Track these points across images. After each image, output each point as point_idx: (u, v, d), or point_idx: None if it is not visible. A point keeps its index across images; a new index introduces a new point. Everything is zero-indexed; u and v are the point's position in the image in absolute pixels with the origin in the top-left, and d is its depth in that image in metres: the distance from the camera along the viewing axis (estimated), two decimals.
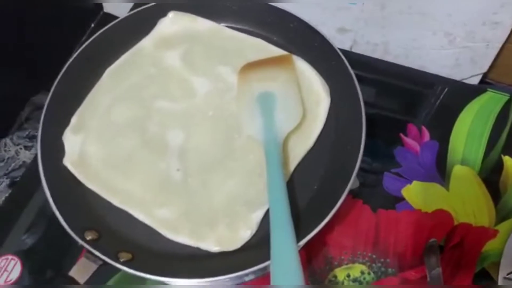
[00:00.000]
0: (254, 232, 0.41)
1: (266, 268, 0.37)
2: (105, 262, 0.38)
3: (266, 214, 0.41)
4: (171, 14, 0.51)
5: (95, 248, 0.38)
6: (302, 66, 0.48)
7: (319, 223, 0.38)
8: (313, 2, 0.59)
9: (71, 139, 0.45)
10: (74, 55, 0.49)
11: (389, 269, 0.45)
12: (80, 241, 0.38)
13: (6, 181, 0.58)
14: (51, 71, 0.77)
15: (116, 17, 0.80)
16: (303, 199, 0.42)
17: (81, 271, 0.37)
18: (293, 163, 0.44)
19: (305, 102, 0.46)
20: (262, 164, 0.42)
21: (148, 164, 0.44)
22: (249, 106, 0.46)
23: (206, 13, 0.51)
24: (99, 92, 0.48)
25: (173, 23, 0.51)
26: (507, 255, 0.44)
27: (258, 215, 0.41)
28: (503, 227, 0.47)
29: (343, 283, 0.45)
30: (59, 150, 0.45)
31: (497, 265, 0.44)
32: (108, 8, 0.80)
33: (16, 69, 0.68)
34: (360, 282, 0.45)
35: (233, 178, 0.43)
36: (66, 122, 0.46)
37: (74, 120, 0.46)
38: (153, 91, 0.48)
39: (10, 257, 0.48)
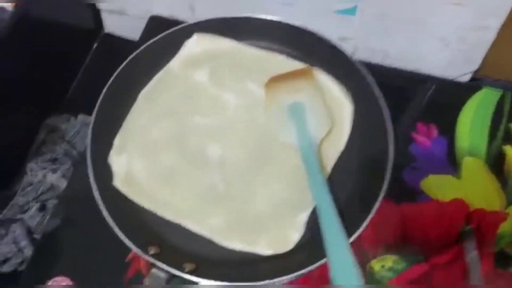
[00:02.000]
0: (302, 233, 0.45)
1: None
2: (172, 274, 0.41)
3: (310, 216, 0.45)
4: (195, 36, 0.54)
5: (160, 260, 0.41)
6: (323, 77, 0.52)
7: (362, 220, 0.43)
8: (314, 12, 0.63)
9: (116, 161, 0.48)
10: (109, 83, 0.50)
11: (419, 257, 0.50)
12: (145, 256, 0.41)
13: (36, 205, 0.59)
14: (60, 93, 0.79)
15: (117, 37, 0.83)
16: (341, 199, 0.46)
17: (153, 282, 0.40)
18: (328, 166, 0.48)
19: (330, 108, 0.50)
20: (299, 168, 0.46)
21: (192, 178, 0.47)
22: (279, 116, 0.50)
23: (228, 33, 0.55)
24: (136, 114, 0.50)
25: (198, 44, 0.54)
26: None
27: (304, 217, 0.45)
28: None
29: (379, 273, 0.49)
30: (107, 173, 0.47)
31: None
32: (109, 28, 0.81)
33: (26, 95, 0.70)
34: (395, 271, 0.50)
35: (273, 184, 0.47)
36: (109, 145, 0.48)
37: (116, 142, 0.49)
38: (186, 108, 0.51)
39: (60, 278, 0.50)
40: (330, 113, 0.49)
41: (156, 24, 0.68)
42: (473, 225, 0.51)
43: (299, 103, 0.50)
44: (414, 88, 0.62)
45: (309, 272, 0.47)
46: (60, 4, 0.73)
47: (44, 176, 0.61)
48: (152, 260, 0.41)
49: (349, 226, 0.43)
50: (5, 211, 0.60)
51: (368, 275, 0.49)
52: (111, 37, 0.81)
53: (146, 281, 0.40)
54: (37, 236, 0.58)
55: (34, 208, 0.59)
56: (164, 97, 0.51)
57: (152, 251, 0.42)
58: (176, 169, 0.48)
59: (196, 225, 0.45)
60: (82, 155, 0.68)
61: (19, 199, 0.60)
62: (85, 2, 0.77)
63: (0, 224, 0.59)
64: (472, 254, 0.42)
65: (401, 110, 0.60)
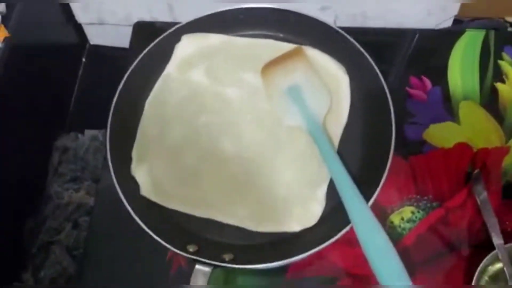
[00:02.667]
0: (324, 205, 0.48)
1: None
2: (215, 265, 0.44)
3: (329, 188, 0.48)
4: (184, 38, 0.56)
5: (201, 256, 0.44)
6: (314, 54, 0.55)
7: (376, 185, 0.46)
8: None
9: (139, 172, 0.50)
10: (115, 99, 0.52)
11: (434, 203, 0.54)
12: (187, 255, 0.44)
13: (69, 225, 0.63)
14: (62, 113, 0.81)
15: (103, 47, 0.84)
16: (354, 167, 0.49)
17: (199, 277, 0.43)
18: (336, 140, 0.51)
19: (327, 84, 0.53)
20: (309, 146, 0.49)
21: (213, 174, 0.50)
22: (281, 101, 0.52)
23: (215, 29, 0.56)
24: (147, 124, 0.53)
25: (188, 45, 0.56)
26: None
27: (323, 190, 0.48)
28: None
29: (399, 225, 0.53)
30: (133, 184, 0.50)
31: None
32: (94, 40, 0.83)
33: (32, 122, 0.72)
34: (413, 221, 0.53)
35: (289, 165, 0.50)
36: (128, 158, 0.51)
37: (134, 154, 0.51)
38: (192, 110, 0.53)
39: None
40: (328, 88, 0.52)
41: (142, 29, 0.69)
42: (479, 165, 0.55)
43: (295, 85, 0.52)
44: (401, 44, 0.64)
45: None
46: (43, 28, 0.75)
47: (70, 197, 0.64)
48: (194, 257, 0.44)
49: (367, 190, 0.46)
50: (41, 235, 0.63)
51: (389, 229, 0.53)
52: (97, 48, 0.83)
53: (193, 278, 0.43)
54: (76, 253, 0.61)
55: (68, 228, 0.62)
56: (169, 103, 0.54)
57: (191, 249, 0.45)
58: (196, 169, 0.50)
59: (227, 217, 0.48)
60: (98, 168, 0.71)
61: (52, 223, 0.63)
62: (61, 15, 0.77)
63: (39, 248, 0.62)
64: (482, 195, 0.46)
65: (393, 69, 0.63)
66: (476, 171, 0.49)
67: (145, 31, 0.68)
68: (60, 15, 0.78)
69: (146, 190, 0.49)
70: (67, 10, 0.76)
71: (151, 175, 0.50)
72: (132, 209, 0.47)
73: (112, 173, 0.49)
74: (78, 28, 0.81)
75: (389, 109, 0.49)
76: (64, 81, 0.82)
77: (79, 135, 0.76)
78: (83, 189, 0.66)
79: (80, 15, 0.77)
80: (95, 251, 0.57)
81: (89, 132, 0.76)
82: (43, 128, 0.75)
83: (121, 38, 0.74)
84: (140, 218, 0.46)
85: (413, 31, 0.65)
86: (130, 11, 0.73)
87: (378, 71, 0.51)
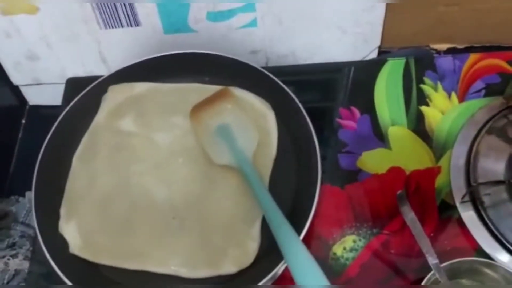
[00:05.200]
0: (258, 244, 0.47)
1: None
2: None
3: (262, 225, 0.48)
4: (110, 89, 0.56)
5: None
6: (240, 93, 0.55)
7: (307, 216, 0.46)
8: (218, 34, 0.66)
9: (67, 229, 0.49)
10: (40, 155, 0.51)
11: (374, 230, 0.54)
12: None
13: None
14: (2, 176, 0.78)
15: (43, 106, 0.83)
16: (285, 201, 0.49)
17: None
18: (266, 174, 0.51)
19: (254, 121, 0.53)
20: (241, 183, 0.49)
21: (144, 223, 0.49)
22: (211, 141, 0.52)
23: (141, 77, 0.57)
24: (75, 179, 0.52)
25: (115, 96, 0.56)
26: (454, 183, 0.54)
27: (257, 227, 0.48)
28: (443, 162, 0.57)
29: (342, 256, 0.53)
30: (61, 242, 0.48)
31: (451, 193, 0.54)
32: (32, 101, 0.82)
33: None
34: (356, 250, 0.53)
35: (222, 206, 0.49)
36: (57, 215, 0.49)
37: (62, 211, 0.50)
38: (122, 159, 0.53)
39: None
40: (255, 125, 0.52)
41: (74, 85, 0.69)
42: (412, 186, 0.55)
43: (223, 124, 0.52)
44: (329, 78, 0.66)
45: (281, 275, 0.49)
46: None
47: (6, 264, 0.61)
48: None
49: (299, 222, 0.45)
50: None
51: (333, 261, 0.52)
52: (37, 108, 0.82)
53: None
54: None
55: None
56: (98, 155, 0.53)
57: None
58: (127, 219, 0.49)
59: (159, 267, 0.46)
60: None
61: None
62: None
63: None
64: (410, 215, 0.46)
65: (323, 101, 0.64)
66: (399, 192, 0.49)
67: (77, 87, 0.67)
68: None
69: (75, 247, 0.48)
70: (1, 73, 0.76)
71: (80, 231, 0.48)
72: (60, 268, 0.45)
73: (38, 233, 0.47)
74: (15, 90, 0.80)
75: (313, 141, 0.49)
76: (3, 144, 0.80)
77: (20, 198, 0.73)
78: (21, 254, 0.62)
79: (15, 76, 0.77)
80: None
81: (30, 194, 0.74)
82: None
83: (60, 97, 0.74)
84: (68, 277, 0.44)
85: (339, 65, 0.67)
86: (64, 67, 0.73)
87: (299, 104, 0.52)
